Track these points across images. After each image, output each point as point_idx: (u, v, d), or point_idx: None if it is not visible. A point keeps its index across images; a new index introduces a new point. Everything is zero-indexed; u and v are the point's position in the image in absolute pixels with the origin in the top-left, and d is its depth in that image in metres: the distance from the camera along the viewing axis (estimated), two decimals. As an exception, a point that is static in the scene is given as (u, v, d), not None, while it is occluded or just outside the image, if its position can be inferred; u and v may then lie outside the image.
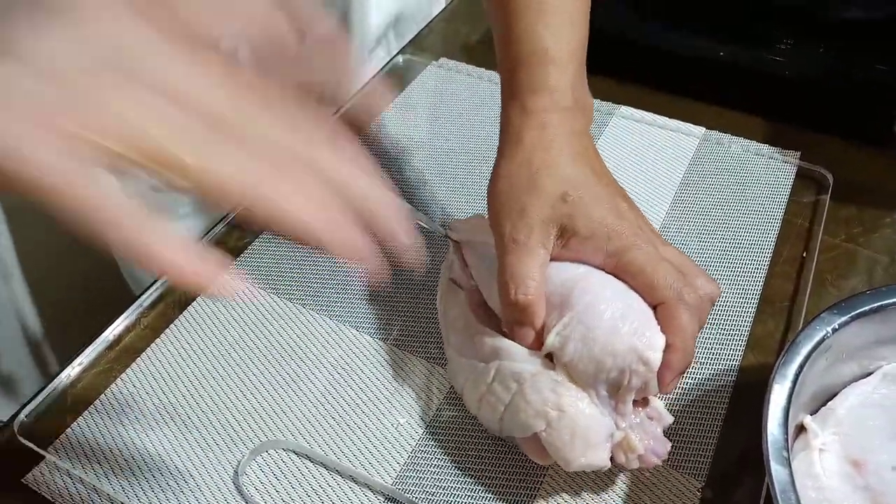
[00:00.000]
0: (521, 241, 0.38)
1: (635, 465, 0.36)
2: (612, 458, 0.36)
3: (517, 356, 0.38)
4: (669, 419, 0.38)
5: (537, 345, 0.38)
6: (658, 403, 0.38)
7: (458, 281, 0.45)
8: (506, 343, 0.39)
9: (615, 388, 0.36)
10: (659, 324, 0.36)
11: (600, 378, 0.36)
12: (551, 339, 0.37)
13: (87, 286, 0.62)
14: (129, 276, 0.72)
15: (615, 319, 0.36)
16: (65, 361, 0.46)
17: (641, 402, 0.37)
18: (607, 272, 0.38)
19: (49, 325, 0.62)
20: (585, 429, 0.36)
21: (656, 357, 0.36)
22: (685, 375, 0.44)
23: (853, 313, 0.38)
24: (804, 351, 0.36)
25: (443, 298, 0.46)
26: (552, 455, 0.37)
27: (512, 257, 0.38)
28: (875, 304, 0.38)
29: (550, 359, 0.38)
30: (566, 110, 0.40)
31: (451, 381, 0.43)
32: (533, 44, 0.41)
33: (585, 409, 0.36)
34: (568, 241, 0.38)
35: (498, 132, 0.42)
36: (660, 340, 0.36)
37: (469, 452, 0.41)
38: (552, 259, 0.39)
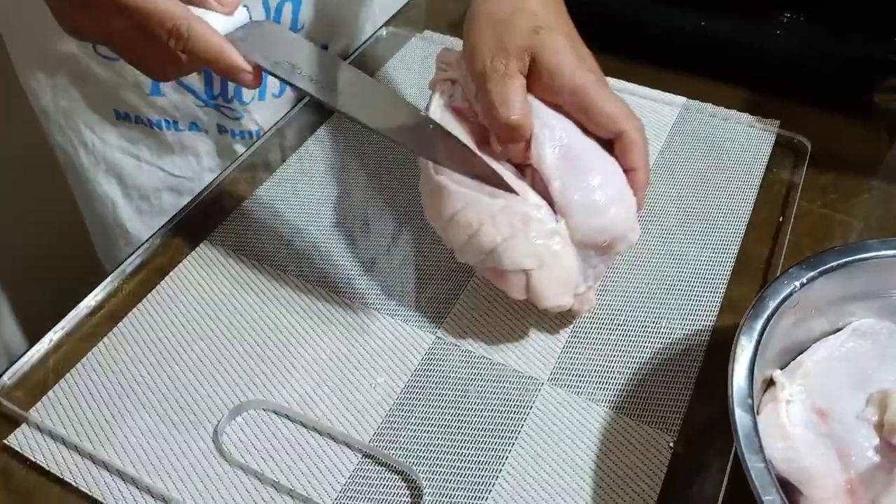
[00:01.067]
0: (500, 68, 0.42)
1: (580, 310, 0.44)
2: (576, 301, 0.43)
3: (528, 198, 0.42)
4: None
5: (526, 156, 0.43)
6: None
7: (463, 111, 0.46)
8: (516, 183, 0.42)
9: (601, 252, 0.42)
10: (622, 150, 0.43)
11: (591, 243, 0.42)
12: (545, 152, 0.42)
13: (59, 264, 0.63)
14: (101, 253, 0.72)
15: (613, 196, 0.42)
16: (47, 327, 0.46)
17: None
18: (568, 107, 0.43)
19: (27, 299, 0.62)
20: (568, 276, 0.42)
21: (631, 238, 0.43)
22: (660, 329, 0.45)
23: (821, 269, 0.38)
24: (771, 305, 0.37)
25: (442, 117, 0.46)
26: (531, 292, 0.41)
27: (494, 84, 0.42)
28: (843, 260, 0.39)
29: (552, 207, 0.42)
30: None
31: (435, 213, 0.44)
32: None
33: (573, 261, 0.42)
34: (538, 73, 0.42)
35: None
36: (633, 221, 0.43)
37: (445, 412, 0.42)
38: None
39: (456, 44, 0.67)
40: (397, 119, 0.42)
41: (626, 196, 0.43)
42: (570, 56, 0.43)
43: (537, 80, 0.43)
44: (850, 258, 0.39)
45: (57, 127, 0.64)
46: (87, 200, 0.68)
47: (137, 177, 0.65)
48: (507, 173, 0.42)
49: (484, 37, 0.43)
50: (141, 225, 0.67)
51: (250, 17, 0.43)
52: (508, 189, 0.41)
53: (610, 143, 0.44)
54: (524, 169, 0.44)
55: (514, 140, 0.42)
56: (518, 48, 0.42)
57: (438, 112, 0.46)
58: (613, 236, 0.42)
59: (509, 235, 0.41)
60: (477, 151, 0.43)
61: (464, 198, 0.42)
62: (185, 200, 0.53)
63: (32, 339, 0.46)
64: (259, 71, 0.41)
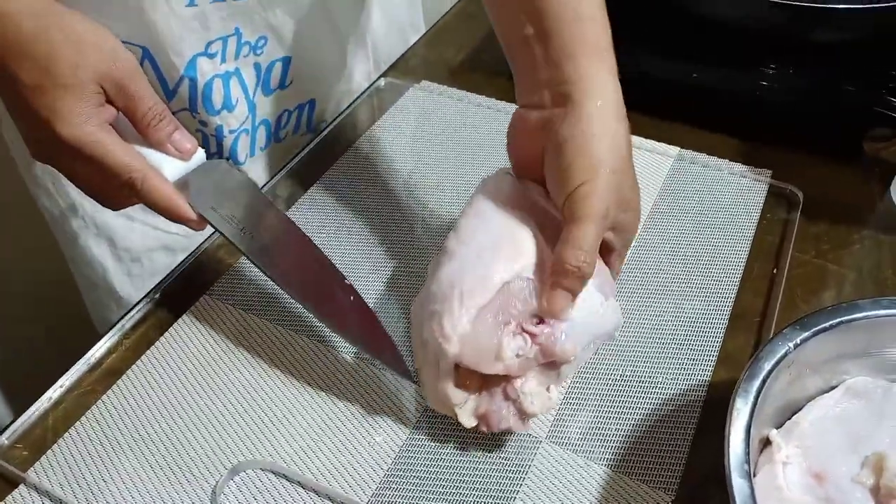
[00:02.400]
0: (601, 215, 0.39)
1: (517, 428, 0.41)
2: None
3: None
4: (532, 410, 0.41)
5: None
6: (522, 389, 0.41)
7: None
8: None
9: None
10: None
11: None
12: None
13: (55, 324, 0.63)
14: (93, 313, 0.73)
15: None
16: (47, 384, 0.46)
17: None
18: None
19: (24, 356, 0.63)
20: (442, 394, 0.41)
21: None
22: (655, 390, 0.45)
23: (814, 329, 0.39)
24: (766, 367, 0.37)
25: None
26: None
27: (589, 227, 0.39)
28: (835, 321, 0.39)
29: None
30: (617, 121, 0.42)
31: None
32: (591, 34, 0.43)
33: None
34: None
35: (475, 153, 0.43)
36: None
37: (443, 470, 0.42)
38: None
39: (453, 94, 0.69)
40: (307, 280, 0.45)
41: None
42: (635, 215, 0.43)
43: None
44: (842, 318, 0.39)
45: (44, 191, 0.64)
46: (77, 263, 0.68)
47: (129, 238, 0.66)
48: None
49: (589, 169, 0.40)
50: (132, 288, 0.68)
51: (206, 157, 0.47)
52: (405, 373, 0.43)
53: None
54: None
55: (571, 287, 0.40)
56: (616, 202, 0.40)
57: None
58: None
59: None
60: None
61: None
62: (179, 259, 0.54)
63: (30, 397, 0.46)
64: (203, 220, 0.45)
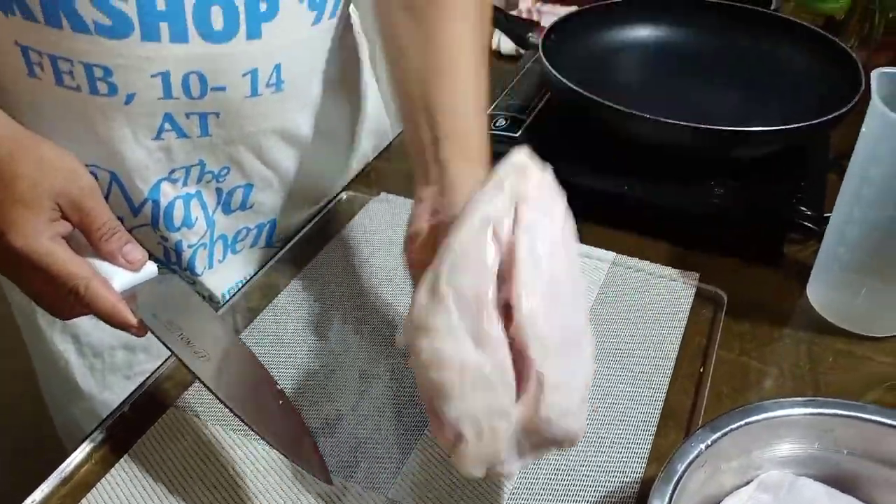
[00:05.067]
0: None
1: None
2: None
3: (503, 364, 0.41)
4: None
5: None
6: None
7: None
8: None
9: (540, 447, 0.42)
10: None
11: (539, 439, 0.41)
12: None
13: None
14: (54, 411, 0.75)
15: (581, 400, 0.42)
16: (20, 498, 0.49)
17: None
18: None
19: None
20: (493, 458, 0.41)
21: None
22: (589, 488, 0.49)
23: (723, 430, 0.43)
24: (679, 468, 0.41)
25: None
26: (456, 455, 0.41)
27: None
28: (742, 422, 0.44)
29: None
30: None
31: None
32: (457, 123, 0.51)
33: (504, 446, 0.41)
34: None
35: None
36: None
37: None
38: None
39: (409, 205, 0.74)
40: (252, 400, 0.48)
41: (585, 398, 0.42)
42: None
43: None
44: (748, 419, 0.44)
45: (13, 287, 0.68)
46: (42, 361, 0.72)
47: (92, 334, 0.69)
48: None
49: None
50: (92, 381, 0.71)
51: (158, 271, 0.51)
52: (327, 480, 0.46)
53: None
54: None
55: None
56: None
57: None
58: (565, 440, 0.41)
59: (468, 391, 0.40)
60: None
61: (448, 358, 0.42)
62: (139, 357, 0.57)
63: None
64: (143, 326, 0.48)
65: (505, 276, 0.41)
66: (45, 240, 0.47)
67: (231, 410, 0.46)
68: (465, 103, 0.52)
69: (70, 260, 0.47)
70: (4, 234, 0.46)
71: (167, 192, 0.63)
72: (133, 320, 0.48)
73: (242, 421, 0.46)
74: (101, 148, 0.59)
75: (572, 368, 0.41)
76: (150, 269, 0.51)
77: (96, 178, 0.55)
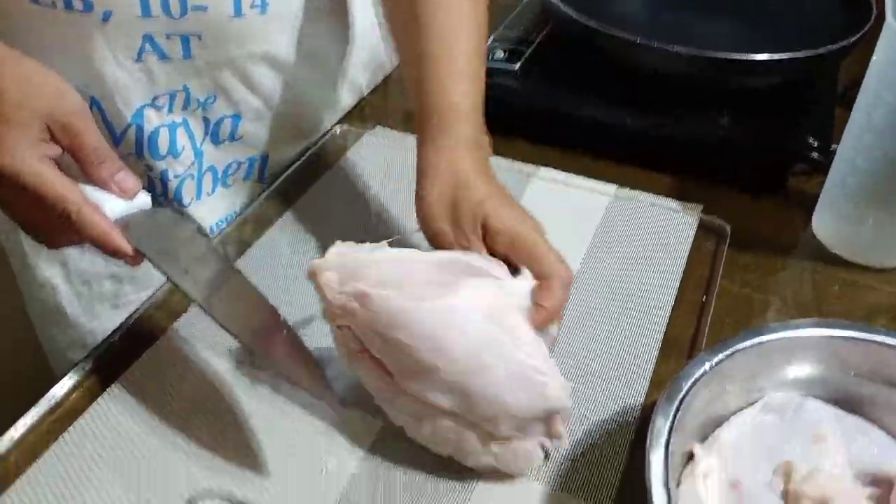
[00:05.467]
0: (463, 242, 0.48)
1: (566, 444, 0.45)
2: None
3: (460, 415, 0.43)
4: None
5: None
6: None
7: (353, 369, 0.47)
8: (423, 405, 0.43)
9: (540, 424, 0.43)
10: (541, 289, 0.45)
11: (525, 427, 0.43)
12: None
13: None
14: (44, 340, 0.74)
15: (521, 394, 0.42)
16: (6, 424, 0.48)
17: None
18: (502, 247, 0.47)
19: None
20: (524, 451, 0.44)
21: (559, 400, 0.42)
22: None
23: (730, 351, 0.42)
24: (685, 386, 0.40)
25: (351, 362, 0.46)
26: (502, 471, 0.44)
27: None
28: (749, 342, 0.43)
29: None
30: (468, 146, 0.51)
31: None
32: (445, 98, 0.52)
33: (521, 442, 0.43)
34: (486, 233, 0.47)
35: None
36: (557, 390, 0.42)
37: (394, 494, 0.44)
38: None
39: (406, 139, 0.72)
40: (257, 327, 0.46)
41: (531, 384, 0.42)
42: (508, 214, 0.48)
43: (486, 237, 0.48)
44: (755, 340, 0.43)
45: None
46: (28, 286, 0.70)
47: (80, 262, 0.67)
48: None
49: (440, 209, 0.49)
50: (80, 309, 0.69)
51: (152, 204, 0.48)
52: (336, 407, 0.46)
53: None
54: None
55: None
56: (471, 217, 0.48)
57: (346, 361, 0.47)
58: (548, 415, 0.43)
59: (454, 449, 0.44)
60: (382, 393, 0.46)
61: (401, 417, 0.45)
62: (125, 288, 0.56)
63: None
64: (139, 254, 0.46)
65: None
66: (33, 160, 0.44)
67: (235, 337, 0.44)
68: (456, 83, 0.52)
69: (60, 182, 0.44)
70: None
71: (151, 119, 0.61)
72: (128, 247, 0.45)
73: (250, 352, 0.44)
74: (80, 70, 0.56)
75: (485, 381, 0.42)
76: (143, 199, 0.48)
77: None
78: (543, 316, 0.44)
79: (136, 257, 0.46)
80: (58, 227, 0.45)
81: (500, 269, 0.46)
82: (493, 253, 0.48)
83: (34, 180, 0.44)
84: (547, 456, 0.45)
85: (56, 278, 0.68)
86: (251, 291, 0.47)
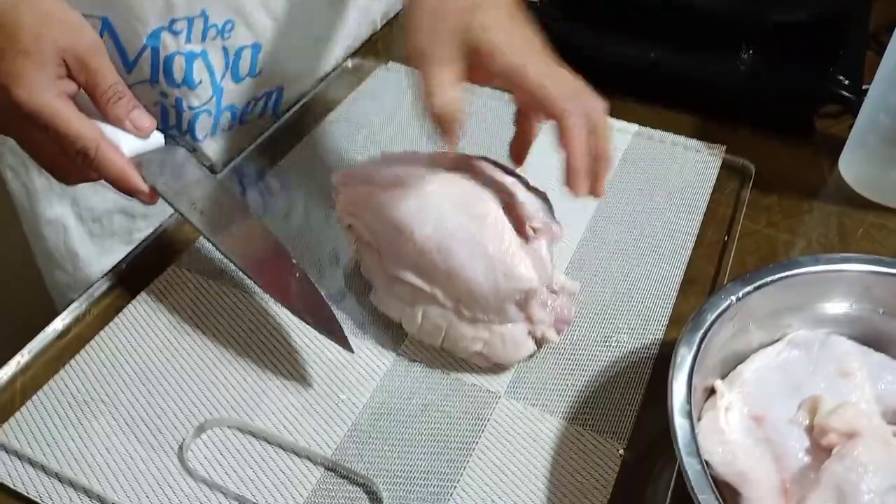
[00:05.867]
0: (433, 54, 0.40)
1: (554, 337, 0.46)
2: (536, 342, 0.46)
3: (439, 298, 0.45)
4: (575, 287, 0.48)
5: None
6: (561, 279, 0.48)
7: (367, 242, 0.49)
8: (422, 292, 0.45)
9: (519, 309, 0.45)
10: (558, 134, 0.42)
11: (504, 310, 0.44)
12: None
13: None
14: (51, 286, 0.73)
15: (487, 274, 0.43)
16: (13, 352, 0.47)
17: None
18: (504, 87, 0.43)
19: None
20: (513, 337, 0.45)
21: (530, 281, 0.43)
22: (610, 340, 0.47)
23: (756, 284, 0.41)
24: (709, 318, 0.39)
25: (358, 251, 0.49)
26: (494, 361, 0.46)
27: (427, 71, 0.40)
28: (776, 276, 0.41)
29: None
30: None
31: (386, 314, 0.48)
32: None
33: (507, 327, 0.45)
34: (475, 53, 0.41)
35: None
36: (525, 271, 0.43)
37: (405, 426, 0.43)
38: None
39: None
40: (270, 269, 0.46)
41: (493, 268, 0.43)
42: (503, 35, 0.42)
43: (474, 59, 0.42)
44: (782, 274, 0.41)
45: (9, 148, 0.64)
46: (35, 226, 0.68)
47: (91, 198, 0.66)
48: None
49: (421, 22, 0.41)
50: (92, 248, 0.68)
51: (165, 142, 0.48)
52: (348, 348, 0.45)
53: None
54: None
55: (445, 130, 0.41)
56: (452, 31, 0.41)
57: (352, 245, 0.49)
58: (514, 297, 0.44)
59: (443, 335, 0.46)
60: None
61: (396, 308, 0.47)
62: (138, 223, 0.55)
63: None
64: (155, 193, 0.45)
65: None
66: (51, 96, 0.43)
67: (250, 278, 0.44)
68: None
69: (78, 119, 0.43)
70: (7, 87, 0.42)
71: (168, 44, 0.59)
72: (144, 186, 0.45)
73: (262, 288, 0.44)
74: None
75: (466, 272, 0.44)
76: (157, 138, 0.47)
77: None
78: (574, 163, 0.41)
79: (153, 195, 0.46)
80: (75, 165, 0.45)
81: (510, 178, 0.47)
82: (479, 78, 0.43)
83: (53, 117, 0.43)
84: (539, 346, 0.46)
85: (67, 217, 0.66)
86: (262, 231, 0.47)
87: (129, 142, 0.46)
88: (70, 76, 0.44)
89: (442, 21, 0.41)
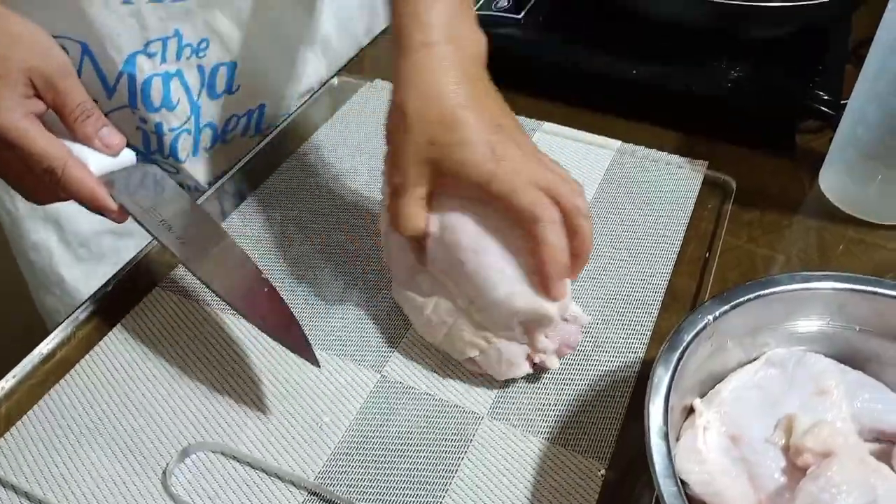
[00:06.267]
0: (397, 183, 0.43)
1: (555, 364, 0.46)
2: (534, 364, 0.46)
3: (453, 292, 0.45)
4: (585, 320, 0.48)
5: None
6: (576, 309, 0.47)
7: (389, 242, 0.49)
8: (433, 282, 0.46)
9: (524, 332, 0.45)
10: (531, 244, 0.42)
11: (510, 327, 0.44)
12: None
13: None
14: (41, 308, 0.73)
15: (511, 285, 0.43)
16: (-1, 375, 0.47)
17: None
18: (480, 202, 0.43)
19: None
20: (509, 356, 0.45)
21: (548, 310, 0.43)
22: (592, 366, 0.48)
23: (733, 303, 0.41)
24: (686, 338, 0.39)
25: (385, 236, 0.49)
26: (485, 371, 0.46)
27: (393, 200, 0.44)
28: (753, 294, 0.42)
29: None
30: (438, 45, 0.42)
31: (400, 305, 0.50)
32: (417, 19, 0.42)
33: (506, 343, 0.45)
34: (440, 176, 0.42)
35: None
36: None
37: (388, 449, 0.44)
38: (435, 192, 0.44)
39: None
40: (239, 285, 0.46)
41: (520, 282, 0.43)
42: (465, 163, 0.41)
43: (442, 181, 0.43)
44: (759, 292, 0.42)
45: None
46: (22, 250, 0.69)
47: (76, 222, 0.66)
48: None
49: (389, 143, 0.43)
50: (79, 272, 0.68)
51: (137, 160, 0.48)
52: (314, 362, 0.44)
53: None
54: None
55: (414, 243, 0.45)
56: (415, 163, 0.42)
57: (385, 226, 0.48)
58: (526, 319, 0.43)
59: (447, 331, 0.46)
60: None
61: (408, 300, 0.48)
62: (126, 243, 0.55)
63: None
64: (124, 211, 0.45)
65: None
66: (18, 116, 0.43)
67: (217, 295, 0.44)
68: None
69: (45, 140, 0.44)
70: None
71: (143, 67, 0.59)
72: (113, 205, 0.45)
73: (230, 305, 0.44)
74: (69, 14, 0.54)
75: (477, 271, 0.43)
76: (128, 156, 0.47)
77: (67, 52, 0.52)
78: (549, 268, 0.41)
79: (121, 214, 0.46)
80: (43, 184, 0.45)
81: None
82: (455, 192, 0.44)
83: (21, 137, 0.43)
84: (536, 371, 0.46)
85: (51, 241, 0.66)
86: (233, 249, 0.47)
87: (98, 160, 0.46)
88: (38, 96, 0.44)
89: (408, 149, 0.42)
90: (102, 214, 0.46)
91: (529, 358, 0.45)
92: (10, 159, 0.44)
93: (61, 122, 0.46)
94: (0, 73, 0.43)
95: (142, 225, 0.46)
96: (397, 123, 0.42)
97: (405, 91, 0.42)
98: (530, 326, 0.44)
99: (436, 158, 0.42)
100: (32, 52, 0.44)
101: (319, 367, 0.45)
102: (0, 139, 0.43)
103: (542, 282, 0.42)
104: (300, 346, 0.44)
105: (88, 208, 0.45)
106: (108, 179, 0.46)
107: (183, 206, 0.48)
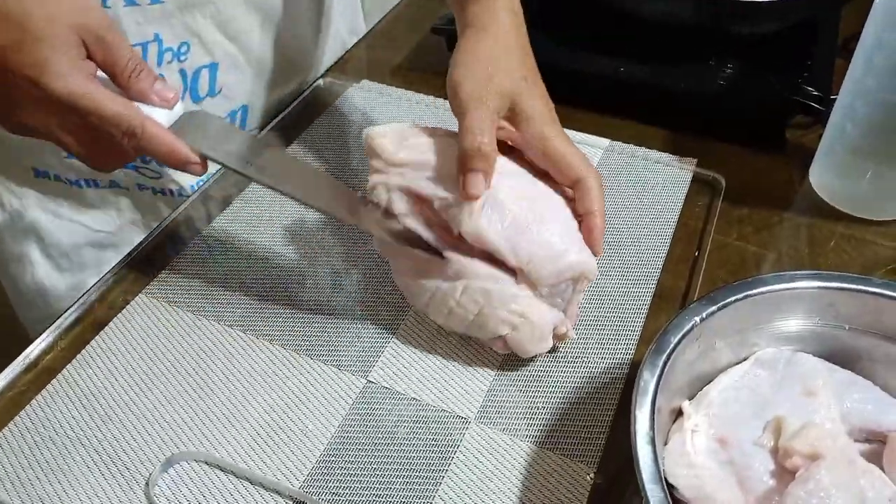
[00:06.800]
0: (484, 100, 0.45)
1: (573, 336, 0.47)
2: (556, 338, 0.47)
3: (481, 275, 0.45)
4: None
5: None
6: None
7: (409, 226, 0.46)
8: (470, 266, 0.45)
9: (568, 293, 0.46)
10: (580, 196, 0.46)
11: (557, 287, 0.45)
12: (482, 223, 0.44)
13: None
14: (25, 320, 0.72)
15: (566, 239, 0.45)
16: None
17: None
18: (533, 153, 0.47)
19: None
20: (541, 329, 0.46)
21: (590, 265, 0.45)
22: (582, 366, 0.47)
23: (720, 303, 0.41)
24: (672, 340, 0.39)
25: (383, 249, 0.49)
26: (512, 349, 0.46)
27: (476, 112, 0.45)
28: (740, 295, 0.41)
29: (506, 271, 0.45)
30: (515, 12, 0.49)
31: (413, 302, 0.49)
32: None
33: (542, 313, 0.45)
34: (515, 117, 0.46)
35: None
36: (588, 255, 0.46)
37: (375, 454, 0.43)
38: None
39: (393, 93, 0.70)
40: (325, 192, 0.47)
41: (577, 236, 0.46)
42: (544, 107, 0.47)
43: (512, 122, 0.46)
44: (747, 292, 0.41)
45: None
46: (2, 261, 0.67)
47: (57, 233, 0.65)
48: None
49: (475, 71, 0.46)
50: (61, 282, 0.67)
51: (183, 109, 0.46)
52: (436, 252, 0.45)
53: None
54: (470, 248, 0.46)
55: (476, 169, 0.44)
56: (503, 89, 0.45)
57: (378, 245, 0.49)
58: (575, 274, 0.45)
59: (477, 312, 0.45)
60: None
61: (427, 290, 0.46)
62: (108, 254, 0.54)
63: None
64: (204, 160, 0.44)
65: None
66: (82, 79, 0.41)
67: (314, 208, 0.46)
68: None
69: (115, 99, 0.41)
70: (36, 79, 0.40)
71: None
72: (194, 156, 0.43)
73: (328, 215, 0.48)
74: None
75: (551, 228, 0.45)
76: (179, 106, 0.46)
77: None
78: (598, 221, 0.46)
79: (203, 164, 0.45)
80: (116, 148, 0.43)
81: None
82: (511, 138, 0.47)
83: (90, 102, 0.41)
84: (556, 343, 0.47)
85: (32, 253, 0.65)
86: (313, 170, 0.50)
87: (158, 115, 0.44)
88: (88, 56, 0.42)
89: (494, 76, 0.45)
90: (184, 169, 0.44)
91: (556, 331, 0.46)
92: (77, 127, 0.42)
93: (112, 80, 0.43)
94: (48, 34, 0.40)
95: (226, 167, 0.45)
96: (494, 55, 0.46)
97: (501, 36, 0.47)
98: (578, 282, 0.46)
99: (518, 102, 0.46)
100: (75, 9, 0.41)
101: (444, 258, 0.45)
102: (67, 107, 0.40)
103: (588, 239, 0.46)
104: (412, 238, 0.46)
105: (170, 164, 0.44)
106: (174, 132, 0.44)
107: (241, 139, 0.47)
